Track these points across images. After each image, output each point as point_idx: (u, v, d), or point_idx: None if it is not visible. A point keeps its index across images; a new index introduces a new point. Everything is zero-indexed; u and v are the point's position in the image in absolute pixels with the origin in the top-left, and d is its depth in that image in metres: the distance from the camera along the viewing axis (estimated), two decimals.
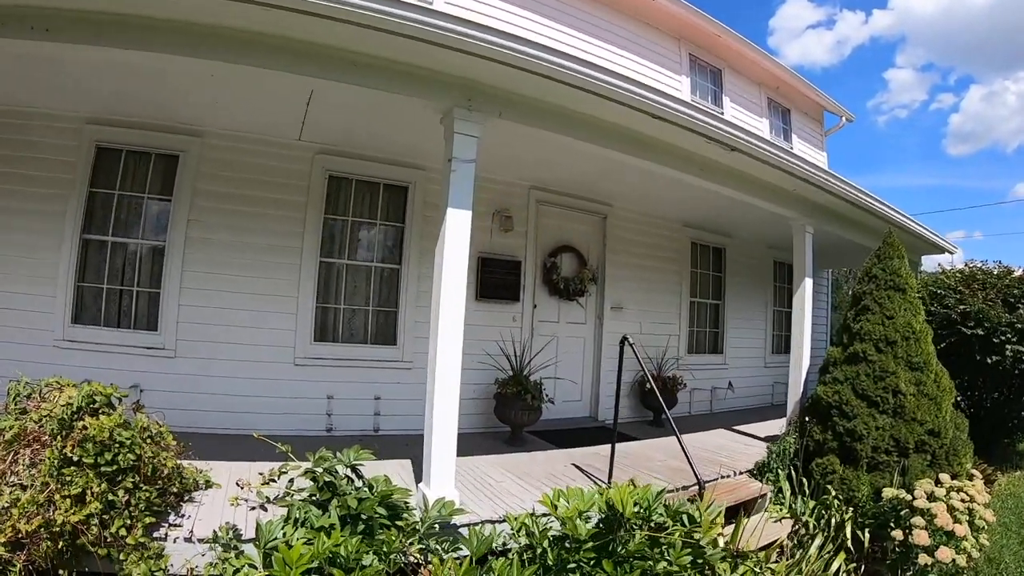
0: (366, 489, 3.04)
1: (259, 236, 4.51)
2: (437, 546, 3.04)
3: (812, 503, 4.06)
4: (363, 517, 2.95)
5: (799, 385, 5.36)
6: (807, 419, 4.56)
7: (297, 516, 2.86)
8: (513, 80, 3.30)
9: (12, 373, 4.05)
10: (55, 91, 3.94)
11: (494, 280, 5.42)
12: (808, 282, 5.53)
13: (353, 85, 3.21)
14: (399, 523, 3.00)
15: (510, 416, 4.84)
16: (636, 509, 2.58)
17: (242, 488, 3.33)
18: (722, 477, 4.39)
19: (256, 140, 4.55)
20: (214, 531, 2.89)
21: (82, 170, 4.13)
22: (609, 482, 3.81)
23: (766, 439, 5.47)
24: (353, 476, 3.20)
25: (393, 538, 2.76)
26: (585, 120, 3.79)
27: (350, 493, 2.99)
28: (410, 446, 4.59)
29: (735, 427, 6.46)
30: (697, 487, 3.89)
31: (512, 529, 2.80)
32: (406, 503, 3.02)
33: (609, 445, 5.19)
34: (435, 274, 3.39)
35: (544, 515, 2.78)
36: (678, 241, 7.31)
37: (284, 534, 2.76)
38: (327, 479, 3.10)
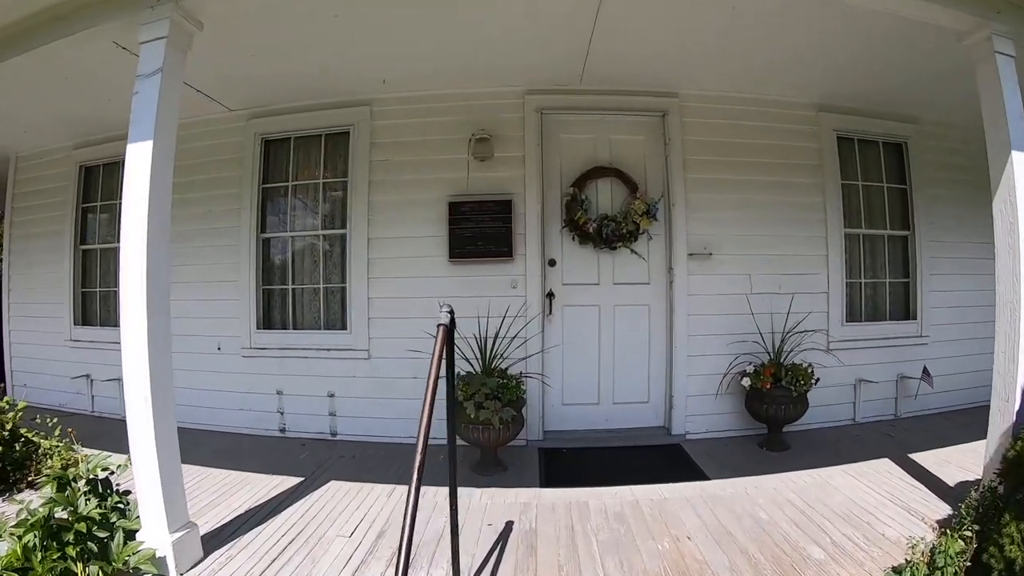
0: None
1: (201, 221, 4.02)
2: None
3: None
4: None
5: (1013, 392, 2.13)
6: (1000, 492, 1.63)
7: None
8: None
9: (36, 368, 4.59)
10: (52, 128, 4.26)
11: (471, 231, 3.71)
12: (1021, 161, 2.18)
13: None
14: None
15: (462, 431, 3.18)
16: None
17: None
18: None
19: (195, 123, 4.05)
20: None
21: (73, 190, 4.41)
22: None
23: (956, 490, 2.32)
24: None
25: None
26: None
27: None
28: (359, 458, 3.49)
29: (916, 453, 3.21)
30: None
31: None
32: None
33: (666, 485, 3.03)
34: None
35: None
36: (811, 136, 4.07)
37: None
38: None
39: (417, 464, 1.41)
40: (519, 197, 3.75)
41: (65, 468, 3.06)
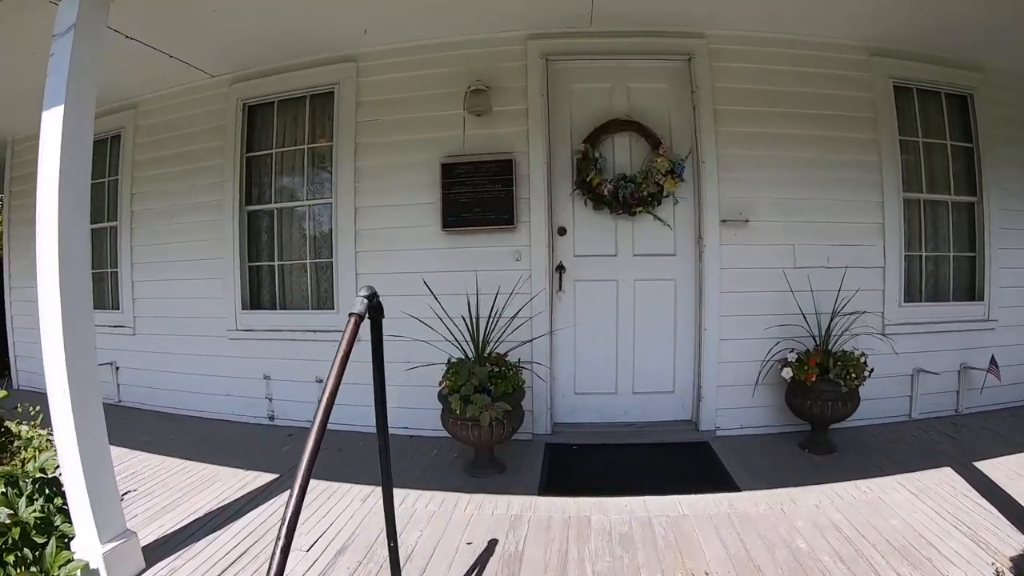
0: None
1: (186, 196, 3.70)
2: None
3: None
4: None
5: None
6: None
7: None
8: None
9: (37, 352, 4.42)
10: (36, 109, 4.01)
11: (467, 196, 3.21)
12: None
13: None
14: None
15: (450, 427, 2.71)
16: None
17: None
18: None
19: (178, 93, 3.74)
20: None
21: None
22: None
23: None
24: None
25: None
26: None
27: None
28: (345, 451, 3.09)
29: (982, 461, 2.60)
30: None
31: None
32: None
33: (686, 497, 2.42)
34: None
35: None
36: (863, 85, 3.36)
37: None
38: None
39: (299, 482, 0.96)
40: (522, 156, 3.22)
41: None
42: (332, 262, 3.41)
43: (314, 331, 3.40)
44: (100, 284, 4.12)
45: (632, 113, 3.32)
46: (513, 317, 2.98)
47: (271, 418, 3.52)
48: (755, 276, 3.24)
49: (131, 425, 3.64)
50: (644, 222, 3.31)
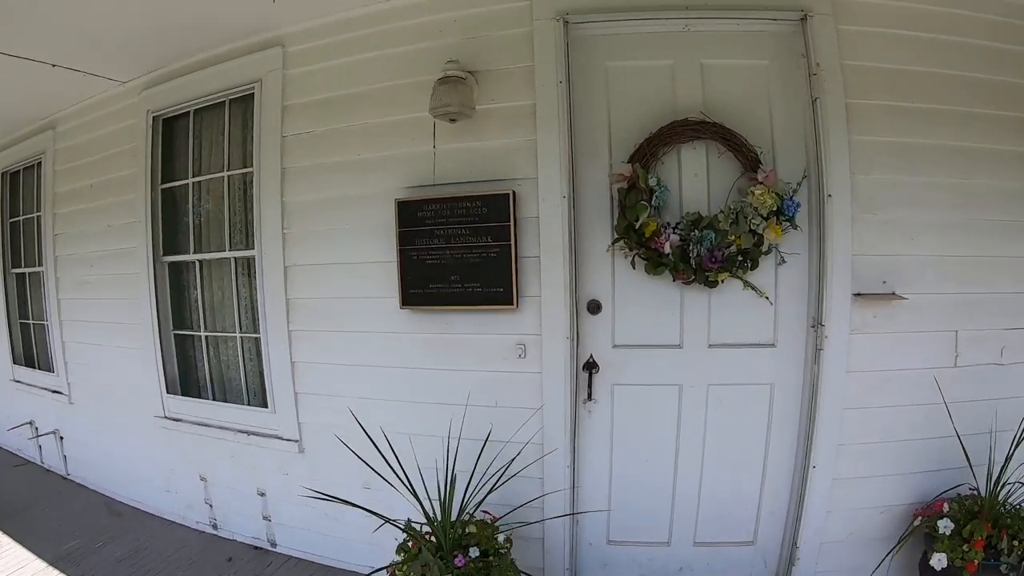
0: None
1: (103, 241, 2.65)
2: None
3: None
4: None
5: None
6: None
7: None
8: None
9: None
10: None
11: (437, 255, 1.90)
12: None
13: None
14: None
15: None
16: None
17: None
18: None
19: (91, 107, 2.67)
20: None
21: None
22: None
23: None
24: None
25: None
26: None
27: None
28: None
29: None
30: None
31: None
32: None
33: None
34: None
35: None
36: None
37: None
38: None
39: None
40: (527, 186, 1.85)
41: None
42: (258, 338, 2.24)
43: (249, 433, 2.31)
44: (43, 340, 3.24)
45: (709, 109, 1.84)
46: (514, 457, 1.76)
47: (214, 527, 2.54)
48: (897, 382, 1.79)
49: (67, 517, 2.81)
50: (728, 292, 1.89)
